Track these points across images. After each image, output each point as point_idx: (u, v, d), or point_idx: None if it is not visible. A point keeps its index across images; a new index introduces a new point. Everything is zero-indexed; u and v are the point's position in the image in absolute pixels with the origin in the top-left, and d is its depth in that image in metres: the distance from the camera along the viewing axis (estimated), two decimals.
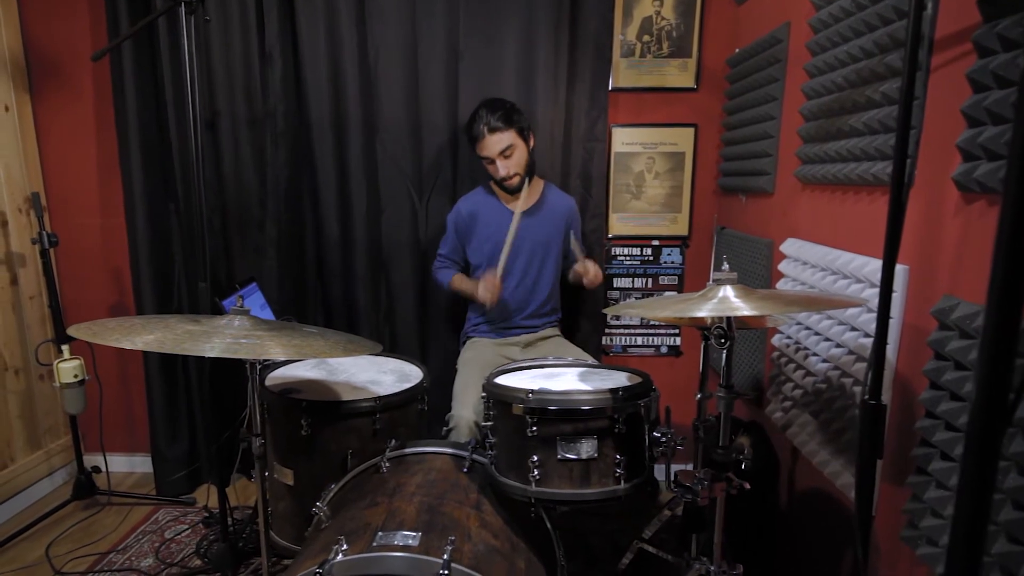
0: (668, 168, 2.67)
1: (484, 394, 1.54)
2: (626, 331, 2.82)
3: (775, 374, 2.00)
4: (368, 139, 2.54)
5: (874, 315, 1.20)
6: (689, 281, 2.77)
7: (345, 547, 1.18)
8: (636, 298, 2.78)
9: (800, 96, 1.83)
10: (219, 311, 1.96)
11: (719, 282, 1.34)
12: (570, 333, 2.57)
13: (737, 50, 2.39)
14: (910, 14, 1.07)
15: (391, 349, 2.64)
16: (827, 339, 1.67)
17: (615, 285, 2.78)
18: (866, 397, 1.20)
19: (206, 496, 2.62)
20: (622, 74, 2.60)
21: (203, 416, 2.70)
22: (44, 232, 2.36)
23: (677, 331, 2.81)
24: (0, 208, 2.50)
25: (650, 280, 2.77)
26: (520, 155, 2.18)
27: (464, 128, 2.27)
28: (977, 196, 1.15)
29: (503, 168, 2.15)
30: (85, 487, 2.55)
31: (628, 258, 2.75)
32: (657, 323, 2.79)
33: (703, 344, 1.49)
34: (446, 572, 1.12)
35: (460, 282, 2.33)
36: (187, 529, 2.42)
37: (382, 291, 2.65)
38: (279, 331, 1.40)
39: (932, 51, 1.28)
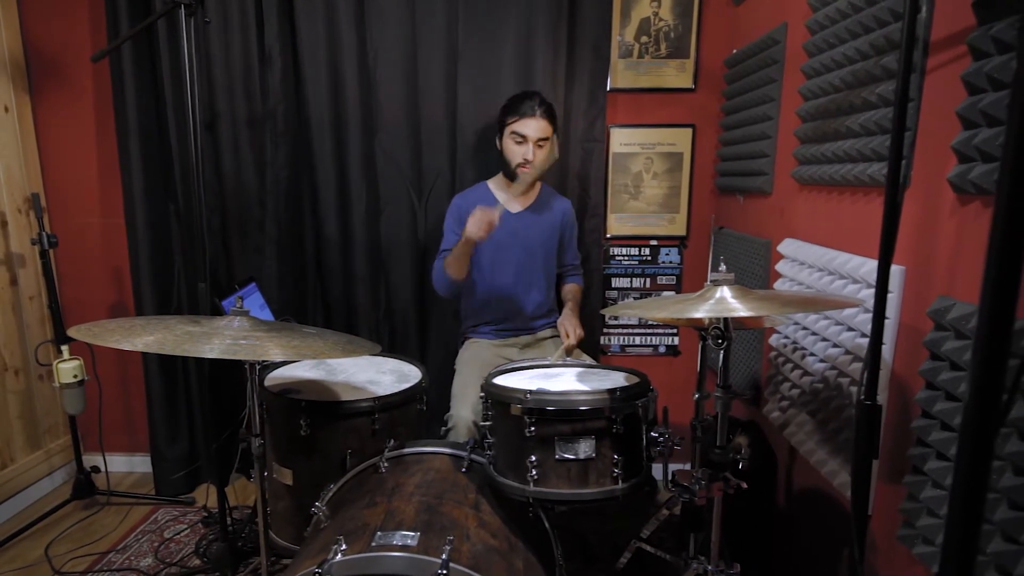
0: (666, 168, 2.67)
1: (483, 394, 1.54)
2: (624, 331, 2.82)
3: (773, 374, 2.01)
4: (367, 139, 2.55)
5: (871, 315, 1.20)
6: (687, 281, 2.77)
7: (344, 547, 1.19)
8: (634, 298, 2.79)
9: (797, 97, 1.84)
10: (218, 311, 1.97)
11: (716, 283, 1.34)
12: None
13: (735, 51, 2.40)
14: (904, 17, 1.08)
15: (390, 349, 2.64)
16: (824, 339, 1.68)
17: (613, 285, 2.78)
18: (862, 397, 1.20)
19: (205, 496, 2.62)
20: (620, 75, 2.60)
21: (202, 416, 2.70)
22: (44, 233, 2.36)
23: (675, 331, 2.82)
24: (0, 208, 2.50)
25: (648, 280, 2.78)
26: (546, 154, 2.19)
27: (503, 105, 2.22)
28: (972, 197, 1.16)
29: (529, 153, 2.14)
30: (84, 487, 2.56)
31: (626, 258, 2.76)
32: (655, 323, 2.80)
33: (701, 344, 1.50)
34: (444, 572, 1.12)
35: (452, 253, 2.15)
36: (186, 529, 2.42)
37: (381, 291, 2.66)
38: (278, 332, 1.40)
39: (928, 53, 1.28)
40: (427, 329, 2.70)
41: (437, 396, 2.24)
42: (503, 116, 2.20)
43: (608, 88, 2.58)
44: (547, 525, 1.53)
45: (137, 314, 2.64)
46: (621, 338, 2.83)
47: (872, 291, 1.22)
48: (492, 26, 2.45)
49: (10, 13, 2.53)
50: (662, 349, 2.84)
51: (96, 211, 2.71)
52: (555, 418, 1.39)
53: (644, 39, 2.58)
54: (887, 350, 1.40)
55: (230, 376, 2.24)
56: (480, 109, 2.50)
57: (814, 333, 1.73)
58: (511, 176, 2.21)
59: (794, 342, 1.86)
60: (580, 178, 2.62)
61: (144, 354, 2.65)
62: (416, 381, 1.90)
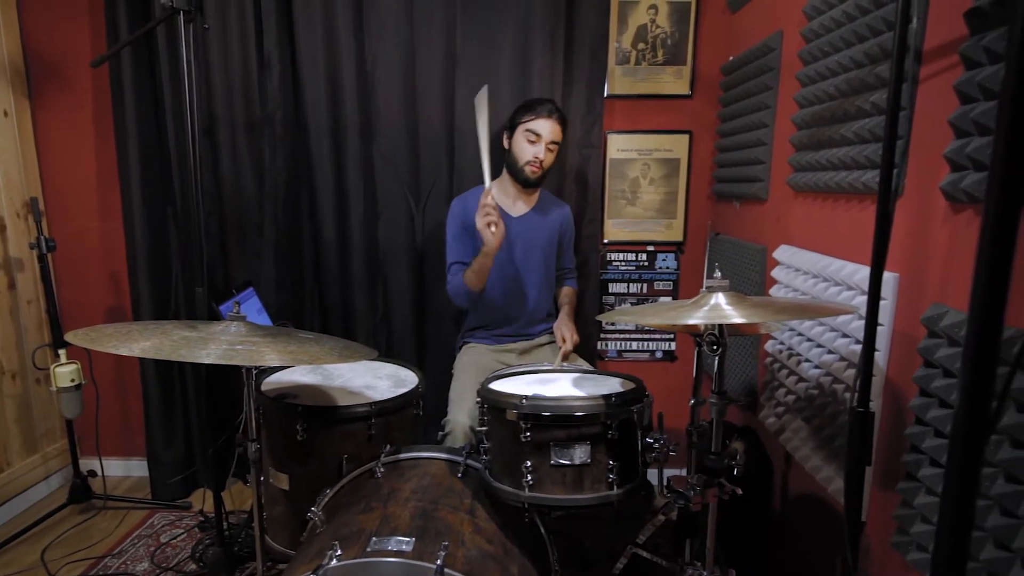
0: (663, 174, 2.68)
1: (479, 399, 1.55)
2: (621, 336, 2.83)
3: (768, 379, 2.02)
4: (365, 144, 2.56)
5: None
6: (684, 286, 2.78)
7: (339, 552, 1.19)
8: (631, 303, 2.80)
9: (793, 104, 1.85)
10: (216, 316, 1.97)
11: (711, 289, 1.35)
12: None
13: (731, 58, 2.41)
14: (896, 26, 1.09)
15: (388, 353, 2.65)
16: (819, 345, 1.69)
17: (610, 290, 2.79)
18: (854, 404, 1.21)
19: (202, 500, 2.62)
20: (617, 81, 2.62)
21: (199, 421, 2.70)
22: (42, 237, 2.37)
23: (672, 336, 2.83)
24: None
25: (645, 285, 2.79)
26: (553, 159, 2.23)
27: (519, 106, 2.25)
28: (964, 206, 1.17)
29: (540, 152, 2.17)
30: (81, 491, 2.55)
31: (623, 263, 2.77)
32: (652, 328, 2.80)
33: (696, 350, 1.50)
34: None
35: (471, 265, 2.16)
36: (183, 533, 2.42)
37: (379, 296, 2.66)
38: (275, 337, 1.41)
39: (921, 62, 1.29)
40: (424, 334, 2.71)
41: (434, 401, 2.24)
42: (517, 115, 2.22)
43: (605, 94, 2.59)
44: (543, 530, 1.53)
45: (135, 318, 2.65)
46: (618, 343, 2.84)
47: (866, 298, 1.22)
48: (490, 32, 2.47)
49: (10, 18, 2.54)
50: (659, 354, 2.84)
51: (94, 215, 2.71)
52: (550, 424, 1.40)
53: (641, 46, 2.59)
54: (881, 357, 1.40)
55: (227, 380, 2.24)
56: None
57: (809, 339, 1.74)
58: (517, 175, 2.22)
59: (789, 348, 1.86)
60: (577, 183, 2.63)
61: (141, 358, 2.65)
62: (413, 386, 1.90)
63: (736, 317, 1.25)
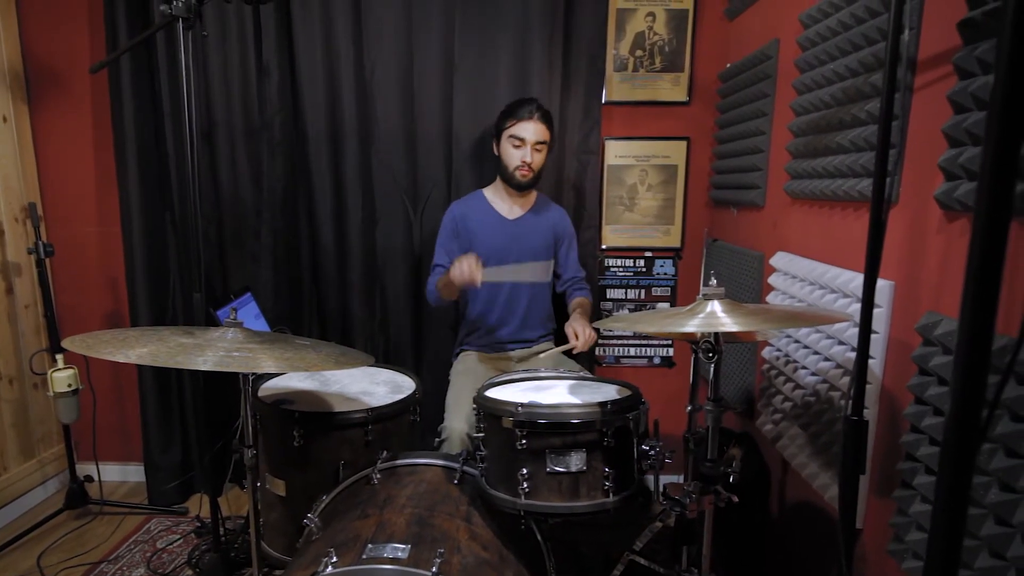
0: (661, 180, 2.69)
1: (475, 406, 1.55)
2: (619, 342, 2.83)
3: (765, 386, 2.02)
4: (364, 150, 2.56)
5: None
6: (682, 292, 2.79)
7: (335, 559, 1.19)
8: (629, 309, 2.80)
9: (789, 112, 1.85)
10: (213, 322, 1.97)
11: (707, 297, 1.36)
12: (563, 342, 2.58)
13: (728, 65, 2.42)
14: (889, 36, 1.10)
15: (385, 359, 2.65)
16: (816, 352, 1.69)
17: (608, 296, 2.79)
18: (848, 413, 1.21)
19: (198, 506, 2.62)
20: (615, 88, 2.63)
21: (196, 426, 2.70)
22: (40, 242, 2.37)
23: (670, 342, 2.83)
24: None
25: (643, 291, 2.79)
26: (542, 159, 2.22)
27: (501, 111, 2.24)
28: (959, 215, 1.17)
29: (527, 155, 2.16)
30: (77, 496, 2.55)
31: (621, 269, 2.77)
32: (649, 334, 2.81)
33: (693, 357, 1.51)
34: None
35: (439, 280, 2.17)
36: (179, 539, 2.41)
37: (376, 301, 2.67)
38: (271, 344, 1.41)
39: (915, 72, 1.30)
40: (422, 340, 2.71)
41: (432, 407, 2.24)
42: (500, 121, 2.22)
43: (603, 101, 2.60)
44: (539, 537, 1.53)
45: (132, 323, 2.65)
46: (616, 349, 2.84)
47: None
48: (488, 39, 2.48)
49: (10, 24, 2.55)
50: (657, 360, 2.85)
51: (93, 221, 2.71)
52: (546, 431, 1.40)
53: (639, 53, 2.60)
54: (877, 365, 1.41)
55: (224, 386, 2.24)
56: (476, 121, 2.52)
57: (806, 346, 1.74)
58: (509, 180, 2.22)
59: (786, 355, 1.86)
60: (575, 190, 2.63)
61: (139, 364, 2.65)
62: (410, 392, 1.90)
63: (732, 325, 1.25)
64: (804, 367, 1.75)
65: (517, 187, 2.23)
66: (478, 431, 1.54)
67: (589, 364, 2.75)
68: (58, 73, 2.61)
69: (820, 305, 1.63)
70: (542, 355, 2.13)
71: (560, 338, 2.50)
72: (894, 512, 1.31)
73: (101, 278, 2.76)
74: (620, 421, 1.43)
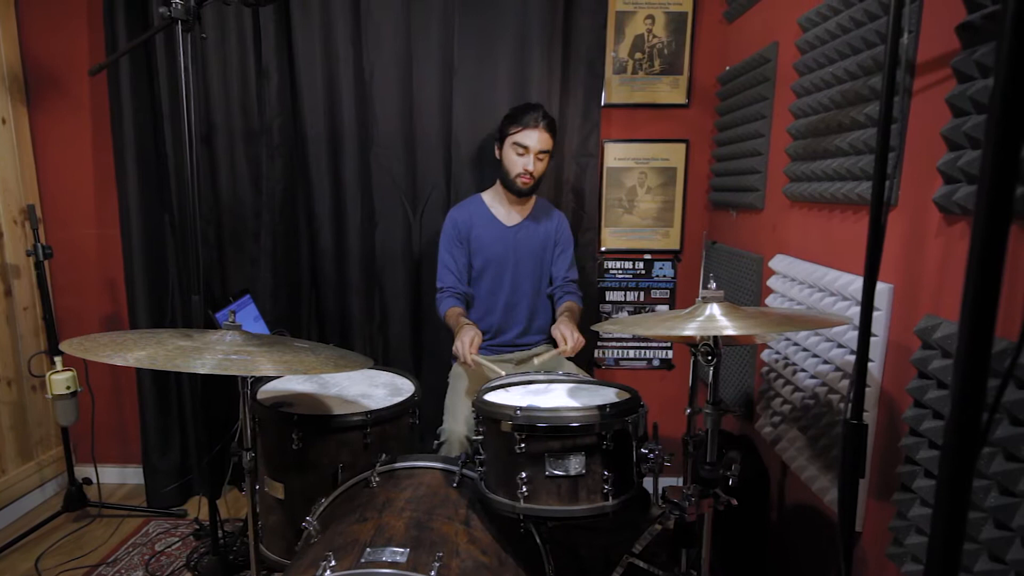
0: (660, 183, 2.69)
1: (474, 410, 1.54)
2: (618, 345, 2.83)
3: (764, 389, 2.02)
4: (363, 153, 2.56)
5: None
6: (681, 295, 2.79)
7: (333, 563, 1.19)
8: (628, 312, 2.80)
9: (788, 115, 1.85)
10: (212, 324, 1.97)
11: (706, 300, 1.35)
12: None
13: (727, 68, 2.43)
14: (888, 39, 1.10)
15: (385, 361, 2.65)
16: (815, 355, 1.69)
17: (607, 299, 2.79)
18: (848, 416, 1.21)
19: (197, 508, 2.62)
20: (614, 90, 2.63)
21: (195, 428, 2.69)
22: (39, 244, 2.37)
23: (669, 345, 2.83)
24: None
25: (642, 293, 2.79)
26: (544, 167, 2.21)
27: (506, 115, 2.22)
28: (958, 218, 1.17)
29: (530, 164, 2.15)
30: (76, 499, 2.55)
31: (620, 272, 2.77)
32: (649, 337, 2.80)
33: (692, 359, 1.50)
34: None
35: (450, 318, 2.18)
36: (177, 542, 2.41)
37: (376, 304, 2.66)
38: (270, 347, 1.41)
39: (914, 75, 1.30)
40: (421, 342, 2.71)
41: (431, 410, 2.24)
42: (505, 126, 2.20)
43: (602, 103, 2.61)
44: (538, 541, 1.53)
45: (131, 326, 2.64)
46: (615, 352, 2.84)
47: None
48: (487, 42, 2.48)
49: (9, 26, 2.55)
50: (656, 363, 2.85)
51: (92, 223, 2.71)
52: (545, 435, 1.39)
53: (638, 55, 2.60)
54: (876, 368, 1.41)
55: (223, 388, 2.24)
56: (475, 123, 2.52)
57: (805, 349, 1.74)
58: (510, 186, 2.22)
59: (785, 358, 1.86)
60: (574, 192, 2.63)
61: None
62: (409, 395, 1.90)
63: (731, 328, 1.25)
64: (803, 370, 1.75)
65: (517, 194, 2.23)
66: (477, 434, 1.53)
67: (588, 367, 2.75)
68: (57, 75, 2.62)
69: (819, 308, 1.63)
70: (536, 360, 2.12)
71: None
72: (893, 516, 1.30)
73: (100, 280, 2.76)
74: (619, 424, 1.42)
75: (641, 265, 2.77)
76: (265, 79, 2.48)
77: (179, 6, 1.78)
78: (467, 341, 1.95)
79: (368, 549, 1.24)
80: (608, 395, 1.63)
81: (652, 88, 2.63)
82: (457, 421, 1.98)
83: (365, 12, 2.45)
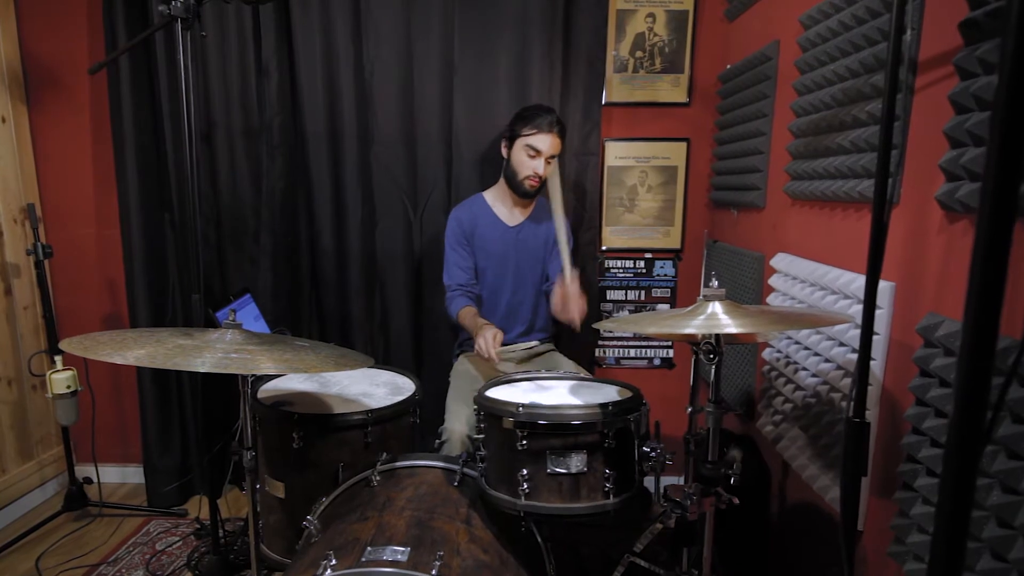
0: (661, 182, 2.69)
1: (475, 407, 1.54)
2: (619, 343, 2.83)
3: (766, 387, 2.01)
4: (363, 152, 2.56)
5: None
6: (682, 294, 2.78)
7: (334, 562, 1.19)
8: (629, 311, 2.80)
9: (789, 113, 1.85)
10: (213, 323, 1.97)
11: (708, 298, 1.35)
12: (564, 345, 2.58)
13: (728, 66, 2.42)
14: (891, 37, 1.09)
15: (385, 361, 2.64)
16: (816, 354, 1.68)
17: (608, 297, 2.79)
18: (850, 415, 1.21)
19: (198, 508, 2.61)
20: (615, 89, 2.62)
21: (196, 427, 2.69)
22: (39, 243, 2.37)
23: (670, 343, 2.83)
24: None
25: (643, 292, 2.79)
26: (550, 170, 2.19)
27: (519, 114, 2.20)
28: (960, 216, 1.17)
29: (540, 167, 2.15)
30: (76, 498, 2.55)
31: (621, 270, 2.77)
32: (650, 335, 2.80)
33: (694, 358, 1.50)
34: None
35: (465, 318, 2.17)
36: (178, 541, 2.41)
37: (376, 303, 2.66)
38: (270, 345, 1.40)
39: (916, 73, 1.30)
40: (422, 341, 2.70)
41: (432, 409, 2.23)
42: (517, 126, 2.18)
43: (603, 102, 2.60)
44: (539, 539, 1.53)
45: (132, 325, 2.64)
46: (616, 350, 2.83)
47: (862, 307, 1.22)
48: (488, 40, 2.47)
49: (8, 25, 2.54)
50: (657, 361, 2.84)
51: (92, 222, 2.71)
52: (547, 432, 1.39)
53: (639, 54, 2.60)
54: (878, 366, 1.40)
55: (223, 387, 2.24)
56: (475, 122, 2.52)
57: (806, 347, 1.74)
58: (516, 187, 2.21)
59: (787, 356, 1.86)
60: (575, 191, 2.63)
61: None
62: (410, 394, 1.90)
63: (732, 327, 1.25)
64: (804, 368, 1.75)
65: (523, 195, 2.23)
66: (478, 432, 1.53)
67: (589, 366, 2.75)
68: (57, 74, 2.61)
69: (820, 306, 1.62)
70: (542, 356, 2.12)
71: (560, 342, 2.50)
72: (895, 514, 1.30)
73: (100, 279, 2.75)
74: (621, 422, 1.42)
75: (642, 264, 2.77)
76: (265, 77, 2.48)
77: (179, 4, 1.78)
78: (490, 337, 1.95)
79: (369, 548, 1.24)
80: (610, 393, 1.63)
81: (653, 86, 2.62)
82: (458, 420, 1.97)
83: (365, 10, 2.45)
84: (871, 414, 1.39)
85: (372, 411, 1.75)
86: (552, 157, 2.17)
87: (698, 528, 1.48)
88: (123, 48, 2.37)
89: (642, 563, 1.73)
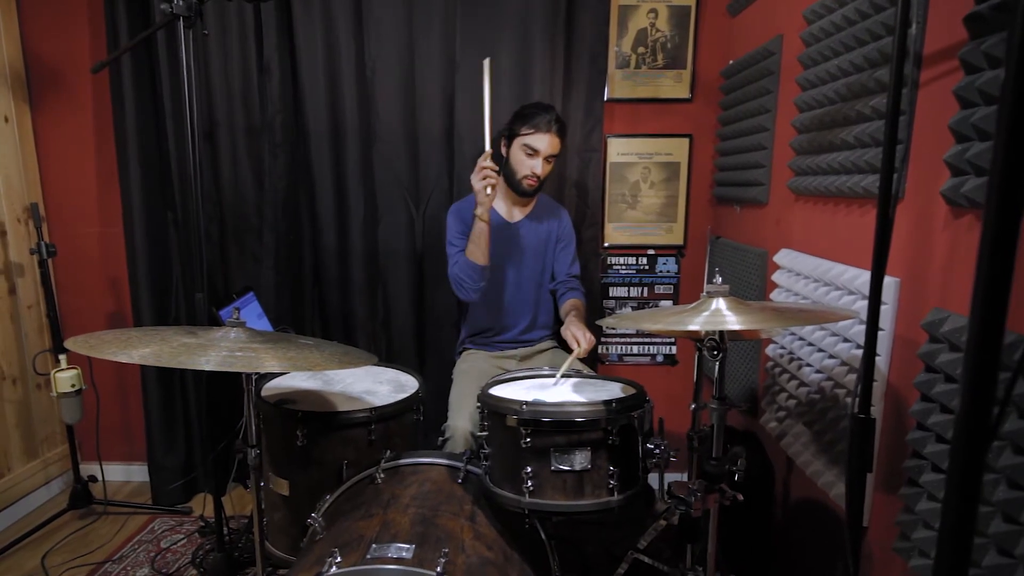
0: (663, 178, 2.68)
1: (479, 405, 1.54)
2: (622, 340, 2.82)
3: (769, 384, 2.01)
4: (365, 149, 2.56)
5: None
6: (685, 290, 2.78)
7: (339, 559, 1.19)
8: (632, 308, 2.79)
9: (793, 108, 1.84)
10: (216, 321, 1.97)
11: (711, 294, 1.35)
12: (566, 343, 2.57)
13: (731, 62, 2.41)
14: (896, 31, 1.09)
15: (388, 358, 2.65)
16: (820, 350, 1.68)
17: (611, 294, 2.79)
18: (855, 411, 1.20)
19: (202, 506, 2.62)
20: (617, 85, 2.62)
21: (200, 425, 2.70)
22: (43, 242, 2.37)
23: (673, 340, 2.82)
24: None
25: (646, 289, 2.78)
26: (550, 169, 2.19)
27: (517, 113, 2.18)
28: (965, 211, 1.16)
29: (538, 167, 2.14)
30: (81, 496, 2.55)
31: (624, 267, 2.77)
32: (653, 332, 2.80)
33: (697, 354, 1.50)
34: None
35: (470, 237, 2.10)
36: (183, 539, 2.41)
37: (379, 300, 2.66)
38: (274, 343, 1.41)
39: (921, 67, 1.29)
40: (425, 338, 2.70)
41: (435, 406, 2.23)
42: (515, 125, 2.16)
43: (605, 98, 2.59)
44: (543, 536, 1.53)
45: (135, 324, 2.65)
46: (619, 347, 2.83)
47: (866, 303, 1.22)
48: (489, 37, 2.46)
49: (11, 24, 2.54)
50: (660, 358, 2.84)
51: (95, 221, 2.72)
52: (551, 429, 1.39)
53: (641, 50, 2.59)
54: (882, 362, 1.40)
55: (227, 386, 2.23)
56: (478, 119, 2.50)
57: (810, 344, 1.73)
58: (515, 187, 2.21)
59: (790, 352, 1.86)
60: (577, 188, 2.62)
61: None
62: (413, 391, 1.90)
63: (736, 323, 1.25)
64: (808, 364, 1.74)
65: (521, 194, 2.22)
66: (482, 429, 1.53)
67: (592, 363, 2.74)
68: (59, 73, 2.61)
69: (824, 302, 1.62)
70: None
71: (561, 338, 2.49)
72: (900, 510, 1.30)
73: (103, 278, 2.76)
74: (625, 419, 1.42)
75: (645, 261, 2.77)
76: (267, 75, 2.48)
77: (180, 2, 1.77)
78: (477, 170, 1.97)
79: (373, 545, 1.24)
80: (614, 390, 1.63)
81: (655, 83, 2.62)
82: (462, 417, 1.97)
83: (366, 7, 2.45)
84: (876, 410, 1.38)
85: (376, 409, 1.75)
86: (551, 156, 2.16)
87: (702, 525, 1.47)
88: (125, 47, 2.37)
89: (646, 560, 1.73)
